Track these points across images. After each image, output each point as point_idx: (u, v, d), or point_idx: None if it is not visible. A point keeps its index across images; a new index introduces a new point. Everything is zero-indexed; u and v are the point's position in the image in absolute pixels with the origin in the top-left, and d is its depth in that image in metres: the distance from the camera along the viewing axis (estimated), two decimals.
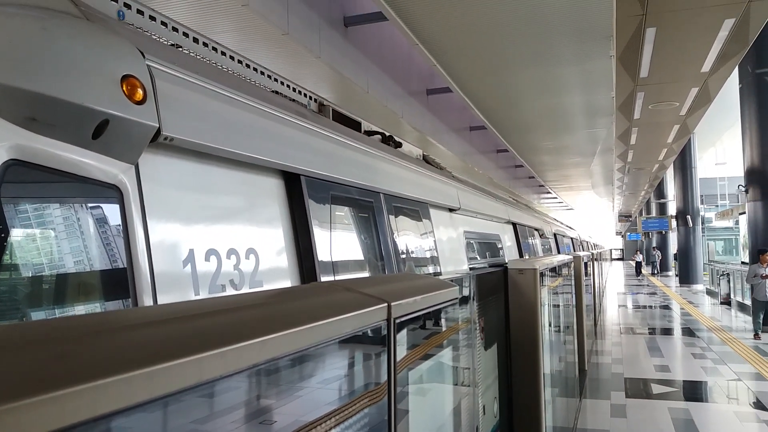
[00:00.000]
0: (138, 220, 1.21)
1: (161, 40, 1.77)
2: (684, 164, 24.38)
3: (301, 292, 1.04)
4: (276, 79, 2.56)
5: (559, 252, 10.72)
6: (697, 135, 21.97)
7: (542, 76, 9.09)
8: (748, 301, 13.88)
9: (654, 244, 36.34)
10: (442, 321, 1.66)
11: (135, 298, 1.17)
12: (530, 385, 3.10)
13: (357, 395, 1.03)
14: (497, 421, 2.93)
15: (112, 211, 1.18)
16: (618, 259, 58.41)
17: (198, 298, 1.33)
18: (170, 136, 1.26)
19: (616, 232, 59.06)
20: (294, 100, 2.51)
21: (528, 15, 6.65)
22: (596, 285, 12.23)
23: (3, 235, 0.97)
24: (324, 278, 1.91)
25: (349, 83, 8.43)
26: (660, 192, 32.20)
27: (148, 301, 1.19)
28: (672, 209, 28.52)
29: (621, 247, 61.61)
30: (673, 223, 26.52)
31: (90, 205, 1.16)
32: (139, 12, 1.74)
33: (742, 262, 16.94)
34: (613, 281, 28.67)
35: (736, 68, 10.82)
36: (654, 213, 33.30)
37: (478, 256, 4.55)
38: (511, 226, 6.30)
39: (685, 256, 24.80)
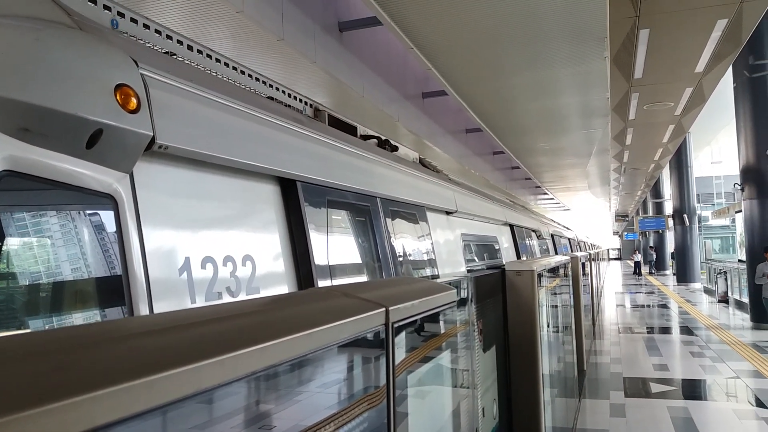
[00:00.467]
0: (133, 228, 1.21)
1: (155, 49, 1.77)
2: (680, 163, 24.49)
3: (299, 298, 1.05)
4: (271, 85, 2.56)
5: (556, 252, 10.73)
6: (692, 134, 22.09)
7: (537, 78, 9.12)
8: (745, 299, 13.92)
9: (651, 244, 36.40)
10: (441, 324, 1.66)
11: (131, 307, 1.17)
12: (529, 386, 3.10)
13: (356, 400, 1.03)
14: (497, 423, 2.93)
15: (107, 221, 1.18)
16: (615, 259, 58.57)
17: (195, 306, 1.33)
18: (165, 144, 1.26)
19: (613, 231, 59.20)
20: (289, 106, 2.52)
21: (522, 18, 6.67)
22: (594, 285, 12.25)
23: None
24: (321, 283, 1.91)
25: (345, 88, 8.43)
26: (656, 191, 32.30)
27: (144, 310, 1.18)
28: (669, 208, 28.60)
29: (618, 247, 61.76)
30: (670, 222, 26.59)
31: (85, 214, 1.16)
32: (133, 20, 1.74)
33: (739, 260, 17.00)
34: (610, 281, 28.71)
35: (730, 67, 10.87)
36: (651, 212, 33.38)
37: (475, 259, 4.55)
38: (508, 228, 6.30)
39: (683, 255, 24.88)
